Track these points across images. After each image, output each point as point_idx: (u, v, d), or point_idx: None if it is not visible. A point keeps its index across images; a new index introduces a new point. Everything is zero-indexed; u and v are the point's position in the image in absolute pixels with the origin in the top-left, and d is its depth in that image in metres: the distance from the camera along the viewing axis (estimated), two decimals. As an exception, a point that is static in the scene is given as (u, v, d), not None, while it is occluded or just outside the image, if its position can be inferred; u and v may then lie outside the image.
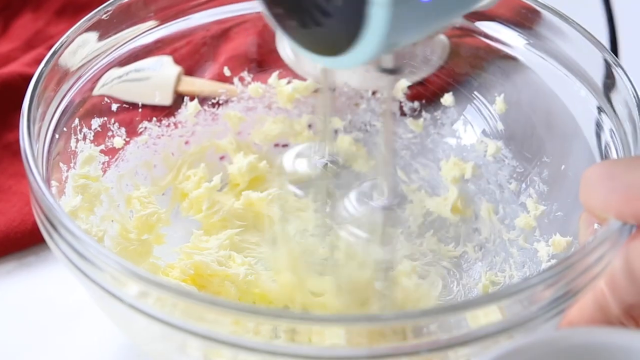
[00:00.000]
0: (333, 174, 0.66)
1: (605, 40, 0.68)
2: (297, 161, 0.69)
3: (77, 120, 0.68)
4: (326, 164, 0.66)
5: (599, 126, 0.65)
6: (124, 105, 0.72)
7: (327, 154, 0.66)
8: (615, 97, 0.64)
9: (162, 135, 0.75)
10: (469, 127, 0.75)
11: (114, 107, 0.71)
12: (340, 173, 0.66)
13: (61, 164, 0.65)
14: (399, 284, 0.66)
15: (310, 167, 0.67)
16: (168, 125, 0.75)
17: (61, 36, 0.66)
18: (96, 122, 0.70)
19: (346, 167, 0.67)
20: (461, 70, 0.76)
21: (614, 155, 0.63)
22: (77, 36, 0.66)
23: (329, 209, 0.66)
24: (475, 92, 0.75)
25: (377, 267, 0.63)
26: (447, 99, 0.76)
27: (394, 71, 0.54)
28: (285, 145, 0.78)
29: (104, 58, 0.69)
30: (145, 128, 0.74)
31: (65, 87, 0.66)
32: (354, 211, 0.63)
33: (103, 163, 0.70)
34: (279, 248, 0.67)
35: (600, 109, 0.65)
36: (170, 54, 0.75)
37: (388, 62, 0.54)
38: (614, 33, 0.67)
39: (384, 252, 0.62)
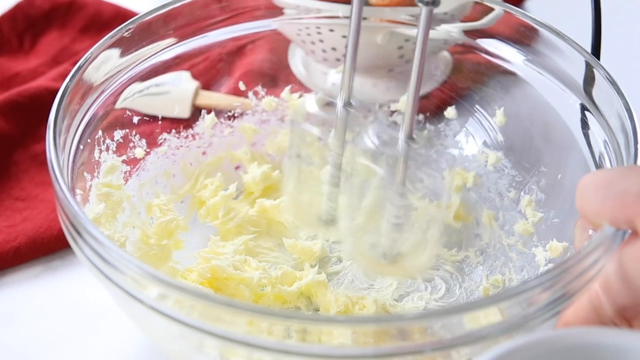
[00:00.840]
0: (353, 115, 0.66)
1: (589, 44, 0.68)
2: (318, 104, 0.68)
3: (100, 132, 0.68)
4: (346, 106, 0.66)
5: (593, 138, 0.65)
6: (145, 117, 0.72)
7: (348, 97, 0.65)
8: (608, 110, 0.64)
9: (181, 146, 0.75)
10: (471, 138, 0.75)
11: (135, 119, 0.72)
12: (360, 115, 0.66)
13: (85, 174, 0.66)
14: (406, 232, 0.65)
15: (331, 109, 0.67)
16: (186, 137, 0.75)
17: (85, 52, 0.66)
18: (118, 134, 0.70)
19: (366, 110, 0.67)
20: (463, 85, 0.76)
21: (607, 164, 0.63)
22: (100, 52, 0.67)
23: (349, 143, 0.66)
24: (477, 106, 0.75)
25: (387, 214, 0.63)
26: (450, 112, 0.76)
27: (432, 2, 0.55)
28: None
29: (125, 73, 0.70)
30: (165, 139, 0.74)
31: (89, 100, 0.66)
32: (372, 145, 0.63)
33: (125, 172, 0.70)
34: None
35: (594, 122, 0.65)
36: (189, 69, 0.75)
37: None
38: (599, 38, 0.67)
39: (397, 195, 0.62)
